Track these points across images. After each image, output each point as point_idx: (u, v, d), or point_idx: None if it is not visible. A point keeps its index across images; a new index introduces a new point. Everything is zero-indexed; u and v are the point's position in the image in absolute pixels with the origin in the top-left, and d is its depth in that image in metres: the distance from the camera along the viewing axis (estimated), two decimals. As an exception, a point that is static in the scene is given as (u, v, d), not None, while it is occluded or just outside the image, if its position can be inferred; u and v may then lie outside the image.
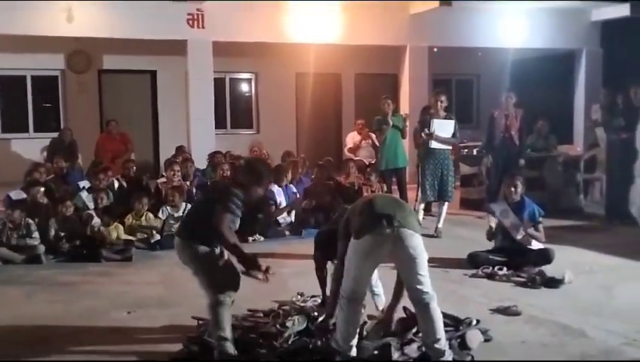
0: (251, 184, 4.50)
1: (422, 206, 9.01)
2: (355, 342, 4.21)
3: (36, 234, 7.65)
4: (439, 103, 8.77)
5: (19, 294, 6.31)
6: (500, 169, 9.62)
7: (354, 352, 4.19)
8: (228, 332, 4.31)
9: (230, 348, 4.29)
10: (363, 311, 4.38)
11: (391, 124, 9.65)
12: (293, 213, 9.19)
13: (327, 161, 10.66)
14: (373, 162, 11.32)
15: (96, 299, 6.03)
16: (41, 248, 7.58)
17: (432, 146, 8.70)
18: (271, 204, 8.98)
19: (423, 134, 8.82)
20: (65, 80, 13.85)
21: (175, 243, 4.54)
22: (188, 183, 9.53)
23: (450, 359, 4.12)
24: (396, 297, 4.52)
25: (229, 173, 9.85)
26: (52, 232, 7.85)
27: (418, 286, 4.06)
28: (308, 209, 9.32)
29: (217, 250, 4.47)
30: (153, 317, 5.37)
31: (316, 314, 4.93)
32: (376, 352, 4.32)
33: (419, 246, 4.10)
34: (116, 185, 9.48)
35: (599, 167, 10.57)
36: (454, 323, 4.78)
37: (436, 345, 4.06)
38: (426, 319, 4.07)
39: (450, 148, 8.93)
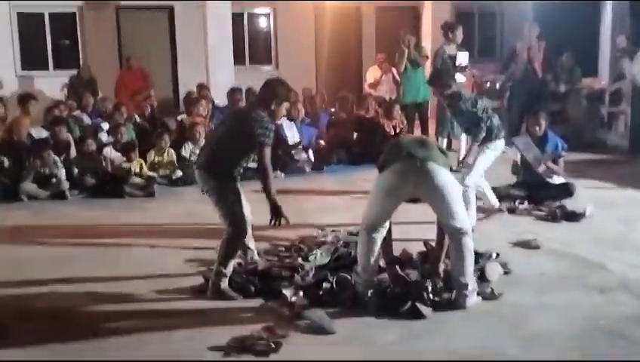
0: (274, 104, 4.56)
1: (445, 141, 8.95)
2: (374, 272, 4.27)
3: (62, 171, 7.76)
4: (457, 35, 8.61)
5: (45, 229, 6.44)
6: (522, 102, 9.50)
7: (373, 281, 4.26)
8: (228, 270, 4.41)
9: (224, 284, 4.40)
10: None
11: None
12: (310, 151, 9.15)
13: (344, 96, 10.56)
14: (394, 97, 11.20)
15: (119, 234, 6.13)
16: (66, 184, 7.69)
17: (457, 80, 8.57)
18: (281, 140, 9.01)
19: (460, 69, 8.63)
20: (82, 17, 13.74)
21: (197, 174, 4.58)
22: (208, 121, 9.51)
23: (472, 294, 4.16)
24: (440, 247, 4.38)
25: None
26: (75, 169, 7.95)
27: (450, 222, 4.08)
28: (331, 145, 9.31)
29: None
30: (176, 250, 5.46)
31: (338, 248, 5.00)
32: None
33: (447, 182, 4.08)
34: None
35: (624, 100, 10.38)
36: (474, 256, 4.81)
37: (460, 278, 4.13)
38: (456, 252, 4.12)
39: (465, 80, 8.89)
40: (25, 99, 8.58)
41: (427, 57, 9.81)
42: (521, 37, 9.75)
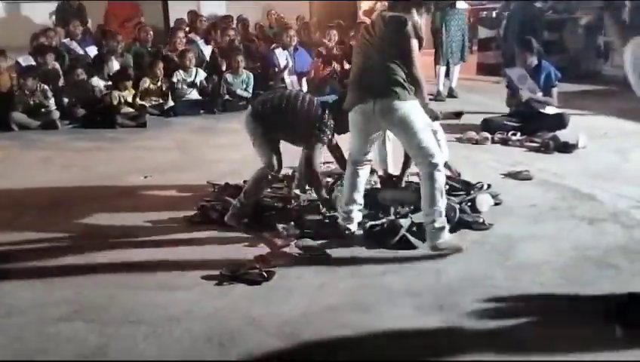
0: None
1: (444, 69, 8.86)
2: (356, 205, 4.25)
3: (52, 100, 7.67)
4: None
5: (36, 159, 6.42)
6: (518, 32, 9.40)
7: (355, 215, 4.25)
8: (249, 202, 4.43)
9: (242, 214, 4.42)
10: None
11: None
12: (304, 80, 9.09)
13: (338, 23, 10.37)
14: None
15: (112, 164, 6.13)
16: (56, 113, 7.63)
17: (458, 7, 8.61)
18: (273, 67, 8.99)
19: None
20: (69, -60, 13.28)
21: (247, 117, 4.51)
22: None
23: (439, 231, 3.94)
24: (404, 167, 4.56)
25: (238, 37, 9.69)
26: (66, 99, 7.86)
27: (417, 155, 3.94)
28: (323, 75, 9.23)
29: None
30: (169, 182, 5.46)
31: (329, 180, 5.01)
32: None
33: (407, 115, 3.88)
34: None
35: (623, 29, 10.25)
36: (465, 187, 4.83)
37: (428, 216, 3.93)
38: (424, 187, 3.93)
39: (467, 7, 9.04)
40: None
41: None
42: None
